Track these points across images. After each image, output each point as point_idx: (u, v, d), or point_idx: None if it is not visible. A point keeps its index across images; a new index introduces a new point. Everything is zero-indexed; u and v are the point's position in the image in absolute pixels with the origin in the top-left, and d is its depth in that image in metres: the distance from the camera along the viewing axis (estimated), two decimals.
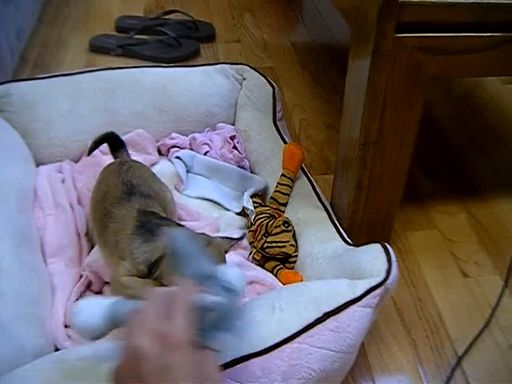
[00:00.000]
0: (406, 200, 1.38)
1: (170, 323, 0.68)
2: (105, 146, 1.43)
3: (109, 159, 1.45)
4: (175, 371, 0.65)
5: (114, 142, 1.39)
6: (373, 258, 1.06)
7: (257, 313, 0.98)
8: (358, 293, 0.99)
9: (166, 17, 2.35)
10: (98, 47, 2.19)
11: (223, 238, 1.10)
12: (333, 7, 1.34)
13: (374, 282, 1.01)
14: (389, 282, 1.01)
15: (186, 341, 0.68)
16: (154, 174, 1.33)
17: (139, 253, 1.05)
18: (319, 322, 0.95)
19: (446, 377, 1.17)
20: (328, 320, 0.96)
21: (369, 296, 0.99)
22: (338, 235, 1.22)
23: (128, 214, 1.12)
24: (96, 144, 1.37)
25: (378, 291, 1.00)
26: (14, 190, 1.28)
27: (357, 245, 1.16)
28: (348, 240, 1.20)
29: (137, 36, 2.24)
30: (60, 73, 1.58)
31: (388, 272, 1.02)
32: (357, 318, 0.98)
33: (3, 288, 1.05)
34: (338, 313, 0.97)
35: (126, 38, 2.22)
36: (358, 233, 1.35)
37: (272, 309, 0.98)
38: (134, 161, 1.34)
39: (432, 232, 1.51)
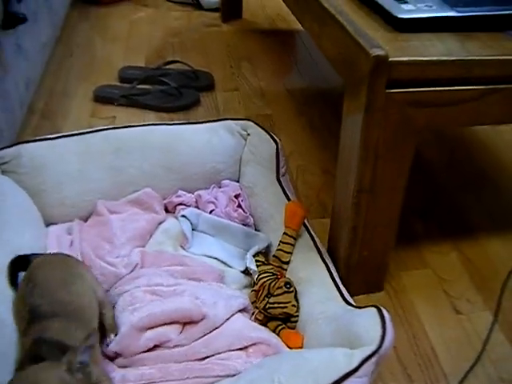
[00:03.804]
0: (399, 241, 1.43)
1: None
2: (112, 204, 1.51)
3: (116, 218, 1.50)
4: None
5: (24, 264, 1.25)
6: (368, 324, 1.08)
7: None
8: (355, 364, 1.01)
9: (167, 67, 2.43)
10: (102, 97, 2.26)
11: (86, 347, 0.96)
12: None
13: (368, 351, 1.02)
14: (383, 349, 1.03)
15: None
16: (68, 277, 1.20)
17: None
18: None
19: None
20: None
21: (365, 365, 1.01)
22: (338, 294, 1.25)
23: (26, 343, 1.04)
24: (12, 275, 1.23)
25: (373, 359, 1.02)
26: None
27: (355, 306, 1.19)
28: (347, 299, 1.24)
29: (139, 86, 2.31)
30: (68, 133, 1.60)
31: (382, 339, 1.04)
32: None
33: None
34: None
35: (128, 88, 2.29)
36: (353, 274, 1.40)
37: (272, 382, 1.00)
38: (41, 263, 1.22)
39: (425, 271, 1.56)
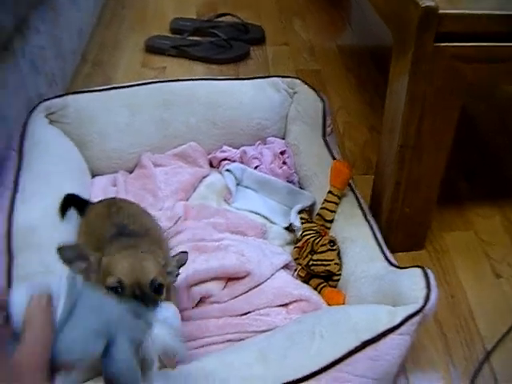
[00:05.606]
0: (443, 201, 1.42)
1: (20, 349, 0.65)
2: (157, 157, 1.51)
3: (160, 171, 1.50)
4: None
5: (79, 203, 1.31)
6: (412, 284, 1.06)
7: (297, 338, 1.01)
8: (397, 321, 1.00)
9: (218, 19, 2.43)
10: (153, 48, 2.28)
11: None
12: None
13: (412, 310, 1.01)
14: (427, 308, 1.01)
15: (36, 365, 0.65)
16: (143, 211, 1.28)
17: None
18: (358, 351, 0.97)
19: (474, 370, 1.22)
20: (367, 348, 0.97)
21: (407, 323, 1.00)
22: (381, 255, 1.23)
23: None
24: (64, 207, 1.29)
25: (416, 318, 1.00)
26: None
27: (399, 266, 1.18)
28: (390, 259, 1.22)
29: (190, 37, 2.33)
30: (116, 85, 1.62)
31: (426, 298, 1.02)
32: (395, 347, 1.00)
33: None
34: (376, 341, 0.98)
35: (179, 39, 2.30)
36: (395, 231, 1.40)
37: (312, 334, 1.00)
38: (121, 200, 1.30)
39: (467, 233, 1.55)
